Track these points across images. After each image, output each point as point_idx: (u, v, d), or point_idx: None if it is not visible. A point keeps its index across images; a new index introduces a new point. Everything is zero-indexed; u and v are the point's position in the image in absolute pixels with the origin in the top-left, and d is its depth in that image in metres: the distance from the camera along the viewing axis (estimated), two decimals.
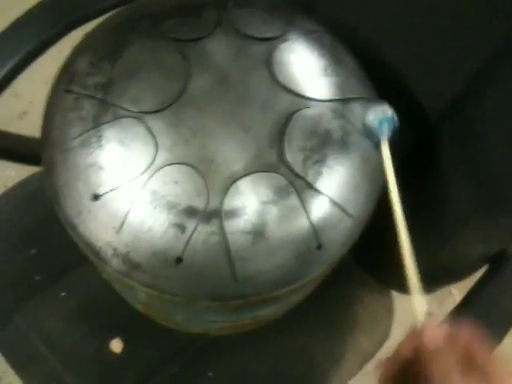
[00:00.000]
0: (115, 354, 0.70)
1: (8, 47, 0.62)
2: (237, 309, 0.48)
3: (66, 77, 0.47)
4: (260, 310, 0.53)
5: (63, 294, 0.75)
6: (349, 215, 0.45)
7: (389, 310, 0.78)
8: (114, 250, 0.44)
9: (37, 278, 0.76)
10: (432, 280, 0.66)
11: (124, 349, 0.70)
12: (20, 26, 0.62)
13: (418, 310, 0.41)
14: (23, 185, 0.79)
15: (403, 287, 0.73)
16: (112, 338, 0.71)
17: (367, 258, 0.74)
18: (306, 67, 0.48)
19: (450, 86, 0.51)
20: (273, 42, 0.48)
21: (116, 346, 0.71)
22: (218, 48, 0.47)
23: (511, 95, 0.49)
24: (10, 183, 1.32)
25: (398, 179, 0.54)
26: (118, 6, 0.62)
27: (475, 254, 0.60)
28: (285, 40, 0.48)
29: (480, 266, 0.60)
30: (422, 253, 0.63)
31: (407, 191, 0.60)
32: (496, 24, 0.48)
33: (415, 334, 0.39)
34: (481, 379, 0.35)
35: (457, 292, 1.18)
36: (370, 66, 0.53)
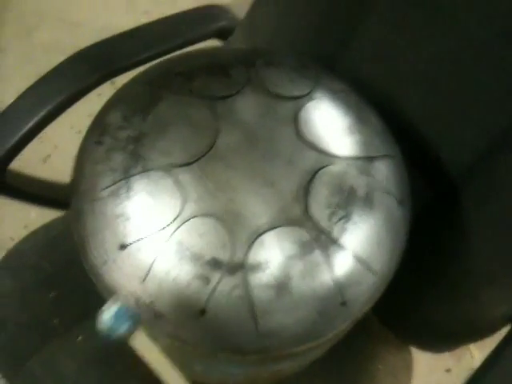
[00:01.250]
0: None
1: (43, 95, 0.65)
2: (257, 362, 0.48)
3: (99, 128, 0.49)
4: (280, 364, 0.52)
5: (80, 338, 0.75)
6: (373, 272, 0.45)
7: (408, 367, 0.77)
8: (138, 299, 0.44)
9: (54, 321, 0.76)
10: (453, 337, 0.65)
11: None
12: (56, 74, 0.65)
13: None
14: (46, 228, 0.80)
15: (422, 343, 0.72)
16: None
17: (387, 314, 0.73)
18: (331, 125, 0.49)
19: (477, 141, 0.52)
20: (300, 100, 0.49)
21: None
22: (247, 105, 0.48)
23: None
24: (30, 225, 1.34)
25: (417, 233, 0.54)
26: (151, 60, 0.64)
27: (498, 313, 0.59)
28: (311, 98, 0.50)
29: (502, 326, 0.59)
30: (445, 309, 0.63)
31: (430, 245, 0.61)
32: None
33: None
34: None
35: (475, 348, 1.15)
36: (393, 121, 0.54)
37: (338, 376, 0.70)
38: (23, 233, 1.29)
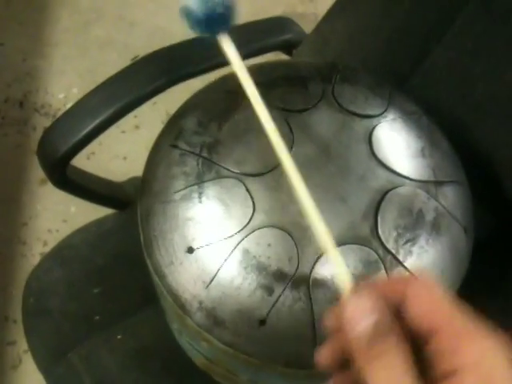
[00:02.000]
0: None
1: (112, 94, 0.66)
2: (309, 378, 0.48)
3: (174, 132, 0.50)
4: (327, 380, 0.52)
5: (119, 336, 0.76)
6: None
7: None
8: (200, 303, 0.45)
9: (96, 317, 0.77)
10: None
11: None
12: (127, 75, 0.66)
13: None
14: (98, 223, 0.81)
15: None
16: None
17: None
18: (404, 147, 0.49)
19: None
20: (374, 119, 0.50)
21: None
22: (321, 120, 0.49)
23: None
24: (70, 219, 1.37)
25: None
26: (218, 68, 0.65)
27: None
28: (385, 118, 0.50)
29: None
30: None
31: (497, 273, 0.60)
32: None
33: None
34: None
35: None
36: (460, 147, 0.54)
37: None
38: (62, 226, 1.32)
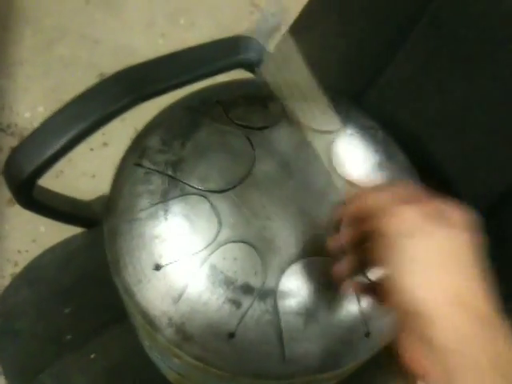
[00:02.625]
0: None
1: (77, 114, 0.67)
2: None
3: (138, 151, 0.50)
4: None
5: (92, 355, 0.76)
6: None
7: None
8: (170, 319, 0.46)
9: (68, 337, 0.77)
10: None
11: None
12: (90, 95, 0.66)
13: None
14: (65, 243, 0.81)
15: None
16: None
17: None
18: (362, 160, 0.51)
19: (498, 185, 0.54)
20: (332, 134, 0.51)
21: None
22: (282, 137, 0.51)
23: None
24: (39, 239, 1.35)
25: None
26: (180, 87, 0.66)
27: None
28: (343, 134, 0.52)
29: None
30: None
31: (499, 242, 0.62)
32: None
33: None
34: (450, 226, 0.34)
35: None
36: (416, 159, 0.56)
37: None
38: (31, 246, 1.30)
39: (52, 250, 0.82)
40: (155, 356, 0.60)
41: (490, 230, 0.57)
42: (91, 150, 1.39)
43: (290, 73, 0.70)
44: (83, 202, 0.81)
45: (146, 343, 0.59)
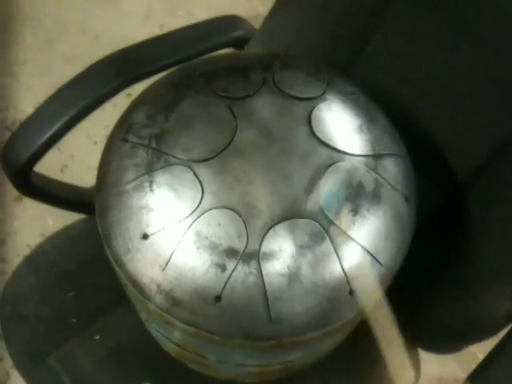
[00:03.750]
0: None
1: (66, 101, 0.68)
2: (268, 350, 0.50)
3: (124, 127, 0.52)
4: (290, 354, 0.55)
5: (97, 337, 0.77)
6: (379, 263, 0.48)
7: (416, 368, 0.78)
8: (158, 286, 0.47)
9: (73, 320, 0.78)
10: (458, 337, 0.67)
11: None
12: (78, 81, 0.68)
13: None
14: (67, 229, 0.83)
15: (428, 344, 0.74)
16: (142, 382, 0.73)
17: (394, 314, 0.75)
18: (342, 125, 0.52)
19: (483, 145, 0.55)
20: (313, 101, 0.52)
21: None
22: (263, 105, 0.52)
23: None
24: (47, 233, 1.38)
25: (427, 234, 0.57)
26: (170, 68, 0.68)
27: (501, 311, 0.61)
28: (324, 100, 0.53)
29: (505, 325, 0.61)
30: (450, 307, 0.65)
31: (439, 245, 0.63)
32: None
33: None
34: None
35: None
36: (403, 126, 0.57)
37: (345, 374, 0.72)
38: (40, 241, 1.32)
39: (55, 236, 0.85)
40: (153, 329, 0.62)
41: (476, 192, 0.58)
42: (95, 143, 1.41)
43: (275, 48, 0.71)
44: (82, 189, 0.83)
45: (143, 316, 0.60)
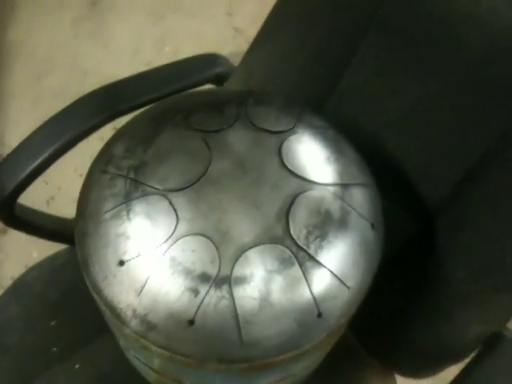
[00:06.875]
0: None
1: (50, 134, 0.71)
2: (243, 373, 0.52)
3: (104, 159, 0.54)
4: (265, 377, 0.56)
5: (77, 366, 0.78)
6: (347, 287, 0.50)
7: None
8: (134, 311, 0.49)
9: (54, 349, 0.79)
10: (432, 361, 0.69)
11: None
12: (63, 115, 0.71)
13: None
14: (51, 259, 0.85)
15: (404, 369, 0.76)
16: None
17: (370, 341, 0.77)
18: (311, 156, 0.55)
19: (452, 175, 0.58)
20: (283, 134, 0.56)
21: None
22: (236, 138, 0.55)
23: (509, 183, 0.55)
24: (31, 264, 1.39)
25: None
26: (151, 103, 0.71)
27: (471, 334, 0.63)
28: (294, 133, 0.56)
29: (475, 348, 0.63)
30: (423, 332, 0.67)
31: (411, 271, 0.65)
32: (494, 117, 0.55)
33: None
34: None
35: None
36: (375, 157, 0.60)
37: None
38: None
39: (38, 266, 0.86)
40: (132, 356, 0.63)
41: (446, 220, 0.61)
42: (80, 175, 1.43)
43: (252, 84, 0.75)
44: (66, 220, 0.85)
45: (122, 343, 0.62)
